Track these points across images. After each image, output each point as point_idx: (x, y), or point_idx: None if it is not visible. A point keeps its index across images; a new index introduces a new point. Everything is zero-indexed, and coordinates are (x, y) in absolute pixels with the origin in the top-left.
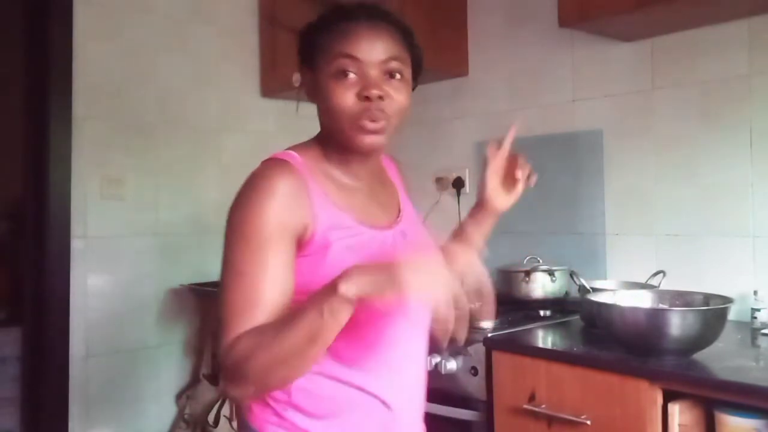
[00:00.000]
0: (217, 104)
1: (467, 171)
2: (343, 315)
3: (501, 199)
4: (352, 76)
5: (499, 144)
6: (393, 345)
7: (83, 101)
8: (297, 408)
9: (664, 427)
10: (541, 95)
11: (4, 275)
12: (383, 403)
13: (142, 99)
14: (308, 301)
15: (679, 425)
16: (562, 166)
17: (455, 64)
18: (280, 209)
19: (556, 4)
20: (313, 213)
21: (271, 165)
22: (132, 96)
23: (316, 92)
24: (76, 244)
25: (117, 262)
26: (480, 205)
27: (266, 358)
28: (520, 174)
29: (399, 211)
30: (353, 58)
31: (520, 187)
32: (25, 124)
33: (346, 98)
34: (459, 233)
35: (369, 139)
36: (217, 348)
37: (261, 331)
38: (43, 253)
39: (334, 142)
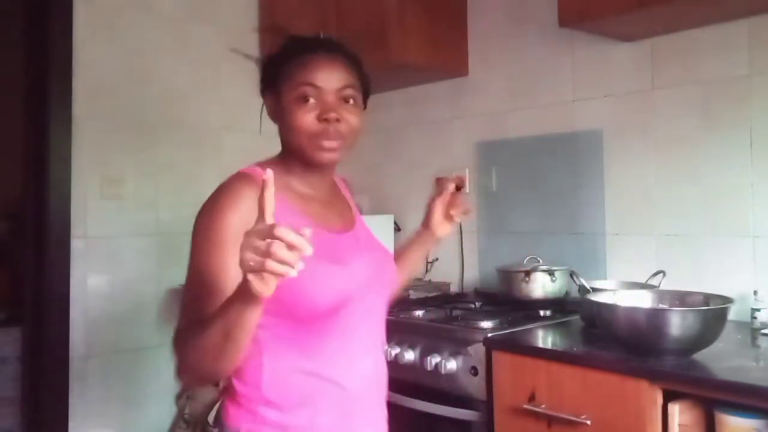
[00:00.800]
0: (217, 104)
1: (467, 171)
2: (248, 314)
3: (442, 228)
4: (312, 101)
5: (454, 179)
6: (348, 334)
7: (83, 101)
8: (268, 403)
9: (664, 427)
10: (541, 95)
11: (4, 275)
12: (344, 389)
13: (142, 99)
14: (226, 301)
15: (679, 425)
16: (562, 166)
17: (455, 64)
18: (241, 214)
19: (556, 4)
20: (273, 218)
21: (236, 178)
22: (132, 96)
23: (279, 114)
24: (76, 244)
25: (117, 262)
26: (424, 229)
27: (195, 351)
28: (455, 212)
29: (353, 220)
30: (313, 85)
31: (456, 220)
32: (25, 124)
33: (307, 120)
34: (403, 249)
35: (327, 156)
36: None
37: (196, 325)
38: (43, 253)
39: (295, 158)
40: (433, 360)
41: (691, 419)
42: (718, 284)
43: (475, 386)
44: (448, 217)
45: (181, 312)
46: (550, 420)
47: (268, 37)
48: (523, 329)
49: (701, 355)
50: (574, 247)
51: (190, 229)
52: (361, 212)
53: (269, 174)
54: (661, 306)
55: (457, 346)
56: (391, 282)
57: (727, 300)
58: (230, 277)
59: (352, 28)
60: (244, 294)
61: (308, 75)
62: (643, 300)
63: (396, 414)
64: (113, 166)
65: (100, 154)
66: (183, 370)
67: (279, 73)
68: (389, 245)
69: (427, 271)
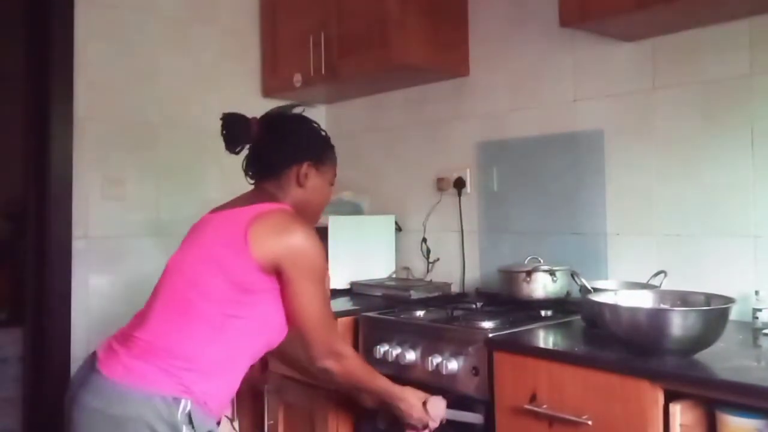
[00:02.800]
0: (218, 104)
1: (468, 171)
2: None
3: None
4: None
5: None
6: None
7: (84, 102)
8: (194, 371)
9: (665, 427)
10: (542, 95)
11: (6, 275)
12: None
13: (144, 99)
14: (387, 383)
15: (681, 425)
16: (563, 166)
17: (456, 64)
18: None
19: (557, 4)
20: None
21: (303, 219)
22: (133, 96)
23: (312, 183)
24: (78, 245)
25: (118, 262)
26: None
27: (358, 381)
28: None
29: None
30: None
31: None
32: (27, 124)
33: (329, 199)
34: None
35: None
36: (311, 345)
37: (366, 367)
38: (44, 253)
39: (305, 214)
40: (434, 360)
41: (692, 419)
42: (719, 284)
43: (476, 386)
44: None
45: (329, 330)
46: (551, 420)
47: (269, 37)
48: (525, 329)
49: (702, 356)
50: (576, 247)
51: None
52: None
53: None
54: (663, 306)
55: (458, 346)
56: None
57: (729, 300)
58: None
59: (353, 28)
60: (394, 407)
61: (336, 170)
62: (645, 300)
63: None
64: (114, 167)
65: (102, 155)
66: (337, 375)
67: (328, 159)
68: (389, 245)
69: (428, 272)
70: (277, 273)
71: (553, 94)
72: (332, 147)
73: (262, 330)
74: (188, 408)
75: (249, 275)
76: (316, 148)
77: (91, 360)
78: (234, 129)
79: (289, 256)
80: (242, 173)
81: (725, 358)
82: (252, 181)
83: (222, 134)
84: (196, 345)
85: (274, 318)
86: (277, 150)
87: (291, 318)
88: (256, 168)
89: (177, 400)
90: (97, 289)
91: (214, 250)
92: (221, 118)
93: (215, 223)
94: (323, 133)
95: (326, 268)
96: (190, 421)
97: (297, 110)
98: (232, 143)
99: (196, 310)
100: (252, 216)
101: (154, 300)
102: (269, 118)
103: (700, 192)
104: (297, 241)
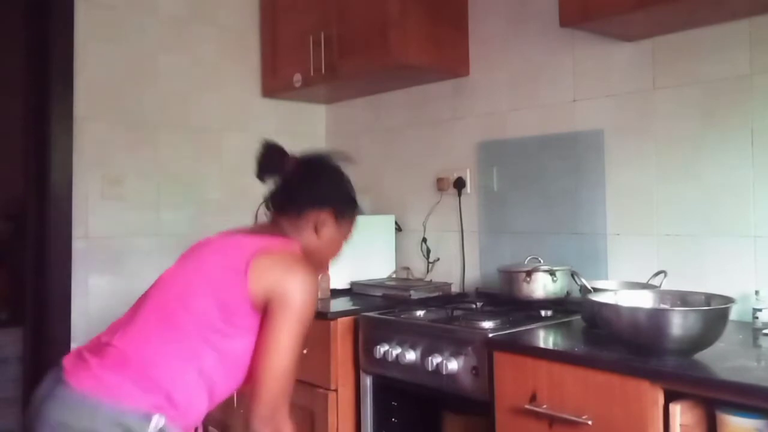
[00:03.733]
0: (218, 104)
1: (468, 171)
2: None
3: None
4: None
5: None
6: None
7: (84, 101)
8: (169, 397)
9: (665, 427)
10: (542, 95)
11: (6, 276)
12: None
13: (143, 99)
14: None
15: (681, 425)
16: (563, 166)
17: (456, 64)
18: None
19: (557, 4)
20: None
21: (310, 266)
22: (133, 96)
23: (329, 233)
24: (78, 245)
25: (118, 262)
26: None
27: None
28: None
29: None
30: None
31: None
32: (26, 124)
33: (340, 253)
34: None
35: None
36: (258, 402)
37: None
38: (44, 253)
39: (312, 261)
40: (434, 360)
41: (692, 419)
42: (719, 284)
43: (476, 386)
44: None
45: (282, 393)
46: (552, 420)
47: (269, 37)
48: (525, 329)
49: (703, 355)
50: (576, 247)
51: (191, 229)
52: None
53: None
54: (663, 306)
55: (458, 346)
56: None
57: (729, 300)
58: None
59: (353, 28)
60: None
61: (353, 228)
62: (645, 300)
63: (397, 414)
64: (114, 167)
65: (101, 155)
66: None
67: (349, 212)
68: (389, 245)
69: (428, 272)
70: (265, 311)
71: (553, 94)
72: (357, 205)
73: (231, 368)
74: (161, 424)
75: (239, 305)
76: (342, 201)
77: (57, 372)
78: (270, 158)
79: (281, 295)
80: (241, 173)
81: (725, 358)
82: (270, 212)
83: (257, 159)
84: (170, 364)
85: (246, 362)
86: (305, 190)
87: (254, 359)
88: (278, 201)
89: (149, 416)
90: (97, 289)
91: (213, 272)
92: (261, 144)
93: (220, 245)
94: (352, 190)
95: (310, 321)
96: None
97: (336, 158)
98: (263, 171)
99: (179, 329)
100: (259, 247)
101: (138, 310)
102: (307, 158)
103: (700, 192)
104: (294, 283)
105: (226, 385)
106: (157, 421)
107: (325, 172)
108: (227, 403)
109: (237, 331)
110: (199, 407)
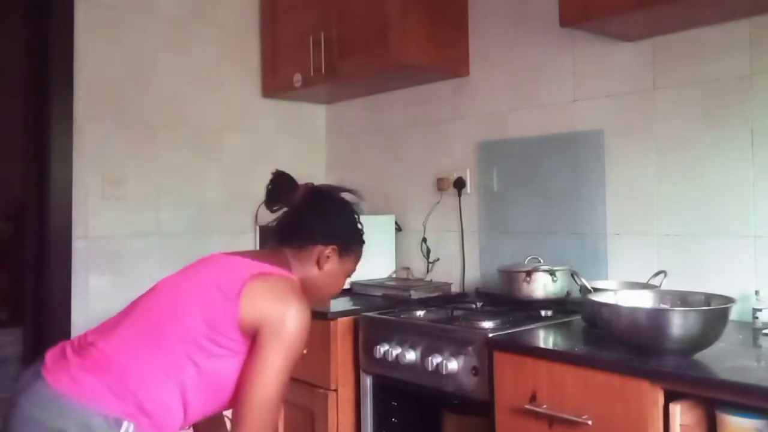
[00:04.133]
0: (218, 104)
1: (468, 171)
2: None
3: None
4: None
5: None
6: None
7: (84, 101)
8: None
9: (665, 427)
10: (542, 95)
11: (6, 275)
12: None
13: (143, 99)
14: None
15: (681, 425)
16: (563, 166)
17: (456, 64)
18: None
19: (557, 4)
20: None
21: (305, 299)
22: (133, 96)
23: (331, 268)
24: (78, 245)
25: (118, 262)
26: None
27: None
28: None
29: None
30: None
31: None
32: (27, 124)
33: (340, 289)
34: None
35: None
36: (245, 422)
37: None
38: (44, 253)
39: (310, 294)
40: (434, 360)
41: (692, 419)
42: (719, 284)
43: (476, 386)
44: None
45: (266, 423)
46: (552, 420)
47: (269, 37)
48: (525, 329)
49: (703, 355)
50: (576, 247)
51: (191, 229)
52: None
53: None
54: (663, 306)
55: (458, 346)
56: None
57: (729, 300)
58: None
59: (353, 28)
60: None
61: (357, 265)
62: (645, 300)
63: (397, 414)
64: (114, 167)
65: (101, 155)
66: None
67: (354, 248)
68: (389, 245)
69: (428, 272)
70: (254, 338)
71: (553, 94)
72: (362, 242)
73: (210, 388)
74: (130, 431)
75: (227, 327)
76: (348, 237)
77: (38, 366)
78: (280, 188)
79: (273, 323)
80: (241, 173)
81: (725, 358)
82: (274, 240)
83: (267, 188)
84: (148, 374)
85: (226, 385)
86: (311, 223)
87: (239, 386)
88: (284, 230)
89: (119, 422)
90: (97, 289)
91: (206, 290)
92: (273, 174)
93: (220, 264)
94: (359, 227)
95: (300, 353)
96: None
97: (347, 195)
98: (273, 200)
99: (163, 340)
100: (256, 272)
101: (128, 315)
102: (317, 190)
103: (700, 192)
104: (287, 312)
105: (204, 404)
106: (127, 427)
107: (332, 207)
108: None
109: (222, 351)
110: (173, 421)
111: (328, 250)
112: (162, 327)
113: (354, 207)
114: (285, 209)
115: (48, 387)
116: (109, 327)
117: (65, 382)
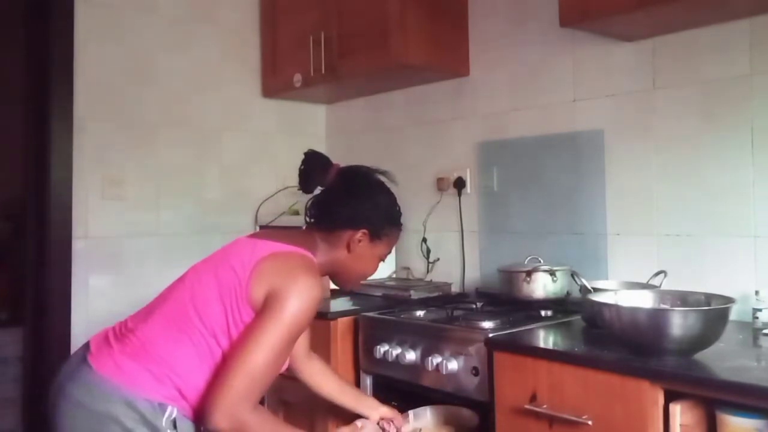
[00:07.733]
0: (218, 104)
1: (468, 171)
2: None
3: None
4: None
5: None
6: None
7: (84, 101)
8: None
9: (665, 427)
10: (542, 95)
11: (6, 275)
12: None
13: (144, 99)
14: None
15: (681, 425)
16: (563, 166)
17: (456, 64)
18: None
19: (557, 4)
20: None
21: (317, 275)
22: (133, 96)
23: (362, 250)
24: (78, 245)
25: (118, 262)
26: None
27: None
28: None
29: None
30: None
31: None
32: (27, 124)
33: (372, 272)
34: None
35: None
36: (221, 392)
37: (271, 422)
38: (44, 253)
39: (340, 276)
40: (434, 360)
41: (692, 419)
42: (719, 284)
43: (476, 387)
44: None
45: (247, 387)
46: (552, 420)
47: (269, 37)
48: (525, 329)
49: (703, 355)
50: (576, 247)
51: (191, 229)
52: None
53: None
54: (663, 306)
55: (458, 346)
56: None
57: (729, 300)
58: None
59: (353, 28)
60: None
61: (392, 248)
62: (645, 300)
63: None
64: (114, 167)
65: (101, 155)
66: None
67: (385, 231)
68: None
69: (428, 272)
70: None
71: (553, 94)
72: (399, 225)
73: None
74: (174, 415)
75: (242, 308)
76: (380, 221)
77: (83, 351)
78: (313, 168)
79: (277, 294)
80: (241, 173)
81: (725, 358)
82: (306, 222)
83: (300, 169)
84: (183, 365)
85: None
86: (344, 206)
87: (231, 350)
88: (315, 212)
89: (163, 406)
90: (97, 289)
91: (225, 275)
92: (305, 154)
93: (241, 248)
94: (394, 210)
95: (302, 329)
96: (175, 427)
97: (382, 176)
98: (306, 182)
99: (191, 328)
100: (270, 252)
101: (162, 302)
102: (351, 171)
103: (701, 192)
104: (293, 286)
105: None
106: (171, 411)
107: (366, 189)
108: None
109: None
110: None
111: (359, 234)
112: (188, 315)
113: (388, 190)
114: (318, 190)
115: (93, 372)
116: (145, 313)
117: (110, 368)
